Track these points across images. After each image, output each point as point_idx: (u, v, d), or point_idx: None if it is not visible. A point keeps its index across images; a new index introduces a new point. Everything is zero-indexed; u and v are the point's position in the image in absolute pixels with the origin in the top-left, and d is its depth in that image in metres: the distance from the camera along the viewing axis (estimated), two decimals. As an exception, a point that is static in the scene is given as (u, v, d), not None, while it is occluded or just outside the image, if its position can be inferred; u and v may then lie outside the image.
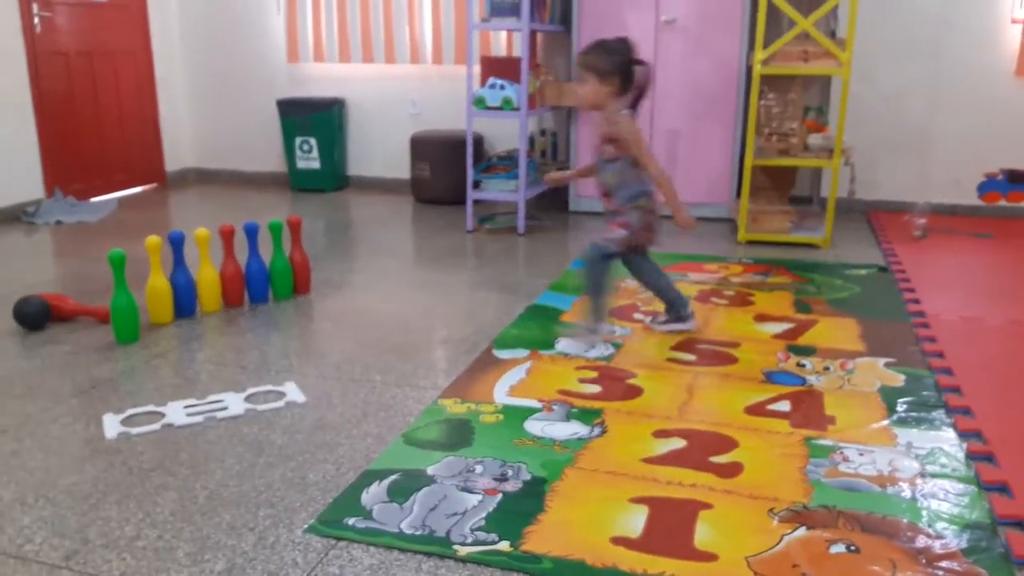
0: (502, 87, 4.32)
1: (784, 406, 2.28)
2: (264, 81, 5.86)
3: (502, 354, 2.66)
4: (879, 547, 1.64)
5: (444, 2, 5.32)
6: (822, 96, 4.75)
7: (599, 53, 2.62)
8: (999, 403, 2.32)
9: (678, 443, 2.07)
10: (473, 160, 4.53)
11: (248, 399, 2.33)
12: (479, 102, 4.35)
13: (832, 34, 4.39)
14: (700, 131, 4.62)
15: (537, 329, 2.89)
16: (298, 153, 5.62)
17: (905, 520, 1.73)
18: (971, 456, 2.00)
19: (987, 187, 4.61)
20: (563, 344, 2.74)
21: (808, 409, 2.26)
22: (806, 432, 2.13)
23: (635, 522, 1.72)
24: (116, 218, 4.85)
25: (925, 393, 2.37)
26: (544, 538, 1.67)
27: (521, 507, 1.78)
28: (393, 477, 1.90)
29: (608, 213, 2.79)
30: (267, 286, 3.20)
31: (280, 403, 2.30)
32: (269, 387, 2.41)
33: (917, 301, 3.19)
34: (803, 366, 2.57)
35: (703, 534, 1.68)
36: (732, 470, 1.94)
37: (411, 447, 2.05)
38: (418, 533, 1.68)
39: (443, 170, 5.16)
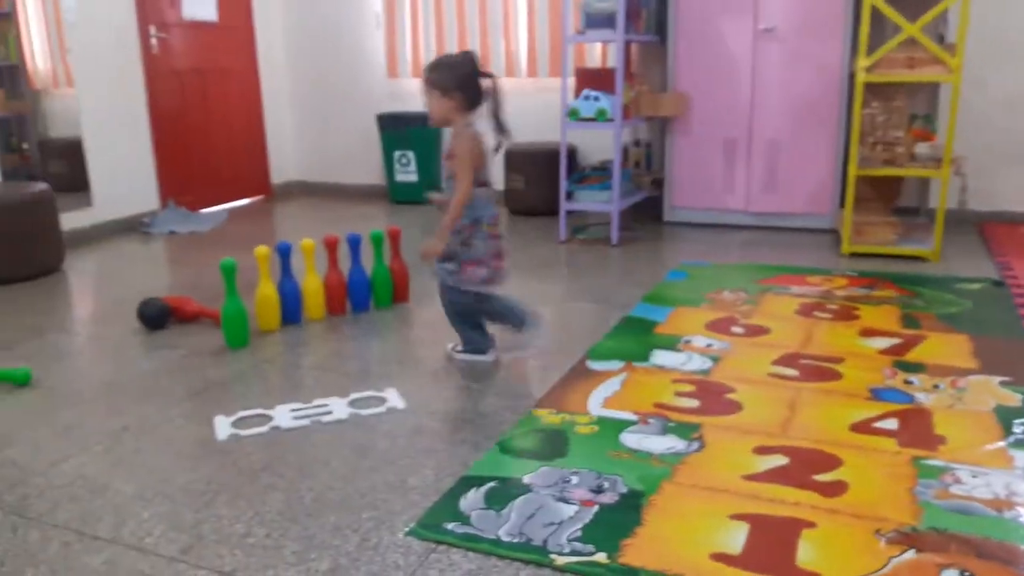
0: (596, 98, 4.32)
1: (891, 424, 2.21)
2: (364, 96, 6.03)
3: (596, 365, 2.66)
4: (996, 574, 1.57)
5: (539, 16, 5.37)
6: (930, 103, 4.57)
7: (440, 69, 2.55)
8: None
9: (780, 460, 2.03)
10: (567, 171, 4.55)
11: (351, 404, 2.40)
12: (573, 114, 4.37)
13: (941, 39, 4.23)
14: (801, 141, 4.52)
15: (632, 341, 2.88)
16: (396, 166, 5.75)
17: (1024, 547, 1.65)
18: (1097, 482, 1.89)
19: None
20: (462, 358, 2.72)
21: (917, 428, 2.18)
22: (914, 451, 2.05)
23: (735, 539, 1.69)
24: (226, 228, 5.07)
25: (1045, 414, 2.25)
26: (642, 552, 1.66)
27: (618, 520, 1.77)
28: (490, 484, 1.93)
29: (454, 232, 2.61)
30: (369, 295, 3.29)
31: (381, 408, 2.37)
32: (371, 392, 2.48)
33: (1035, 317, 3.03)
34: (911, 383, 2.48)
35: (806, 553, 1.64)
36: (836, 489, 1.88)
37: (507, 455, 2.07)
38: (515, 541, 1.70)
39: (537, 181, 5.20)
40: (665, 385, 2.50)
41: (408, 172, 5.74)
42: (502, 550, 1.67)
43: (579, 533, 1.72)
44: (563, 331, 3.03)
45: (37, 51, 5.09)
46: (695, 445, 2.11)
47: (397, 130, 5.67)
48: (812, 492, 1.87)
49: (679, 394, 2.43)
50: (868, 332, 2.93)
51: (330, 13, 6.03)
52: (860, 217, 4.14)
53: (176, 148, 5.34)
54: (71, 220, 4.50)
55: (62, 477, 2.01)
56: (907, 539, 1.68)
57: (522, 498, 1.87)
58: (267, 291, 3.02)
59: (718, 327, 3.02)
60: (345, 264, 3.29)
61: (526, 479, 1.95)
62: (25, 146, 4.94)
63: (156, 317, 3.10)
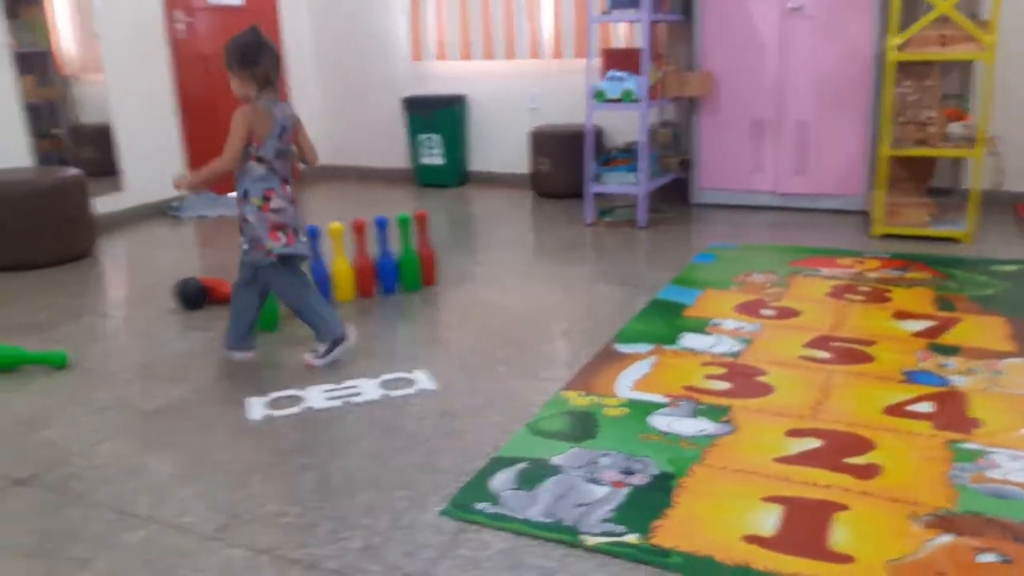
0: (622, 79, 4.29)
1: (926, 407, 2.18)
2: (389, 80, 6.03)
3: (624, 348, 2.66)
4: (1033, 558, 1.55)
5: (565, -4, 5.33)
6: (962, 82, 4.49)
7: (227, 48, 2.55)
8: None
9: (813, 443, 2.01)
10: (593, 153, 4.53)
11: (382, 385, 2.42)
12: (599, 95, 4.34)
13: (974, 16, 4.14)
14: (831, 121, 4.46)
15: (660, 324, 2.87)
16: (422, 149, 5.76)
17: (1063, 531, 1.63)
18: None
19: None
20: (313, 361, 2.58)
21: (952, 411, 2.16)
22: (950, 435, 2.03)
23: (768, 521, 1.69)
24: (253, 212, 5.09)
25: (1083, 397, 2.21)
26: (673, 533, 1.66)
27: (649, 501, 1.77)
28: (520, 465, 1.94)
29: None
30: (396, 278, 3.31)
31: (411, 390, 2.38)
32: (400, 374, 2.49)
33: (1072, 299, 2.98)
34: (945, 366, 2.45)
35: (839, 536, 1.64)
36: (870, 472, 1.87)
37: (536, 437, 2.08)
38: (546, 521, 1.71)
39: (563, 164, 5.18)
40: (695, 368, 2.49)
41: (434, 155, 5.74)
42: (533, 530, 1.68)
43: (610, 514, 1.73)
44: (590, 314, 3.02)
45: (66, 37, 5.13)
46: (726, 428, 2.10)
47: (422, 113, 5.67)
48: (845, 475, 1.86)
49: (709, 376, 2.42)
50: (901, 314, 2.90)
51: (355, -4, 6.04)
52: (892, 198, 4.08)
53: (203, 133, 5.38)
54: (103, 205, 4.55)
55: (100, 457, 2.05)
56: (943, 522, 1.67)
57: (552, 479, 1.87)
58: (296, 274, 3.04)
59: (748, 309, 3.00)
60: (373, 247, 3.30)
61: (556, 460, 1.95)
62: (57, 132, 4.99)
63: (194, 297, 3.15)
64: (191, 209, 5.03)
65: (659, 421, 2.15)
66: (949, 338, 2.67)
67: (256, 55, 2.54)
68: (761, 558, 1.57)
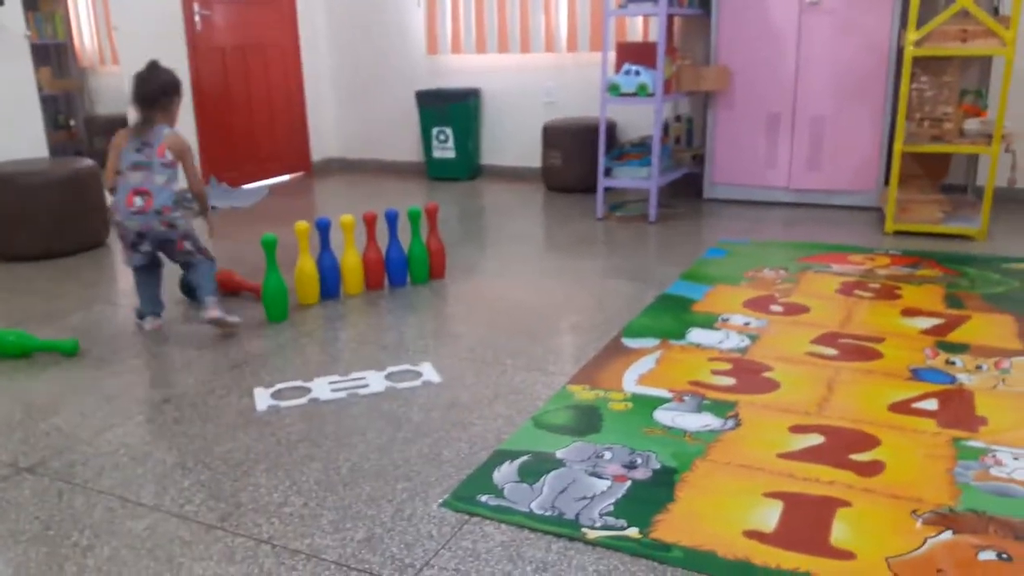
0: (637, 73, 4.28)
1: (931, 405, 2.17)
2: (404, 73, 6.04)
3: (631, 343, 2.66)
4: (1035, 557, 1.54)
5: (580, -11, 5.31)
6: (981, 78, 4.44)
7: (165, 87, 2.94)
8: None
9: (816, 439, 2.01)
10: (606, 147, 4.52)
11: (388, 377, 2.43)
12: (613, 89, 4.33)
13: (995, 11, 4.10)
14: (846, 116, 4.43)
15: (668, 318, 2.87)
16: (435, 143, 5.76)
17: (1066, 531, 1.62)
18: None
19: None
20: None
21: (957, 409, 2.14)
22: (954, 433, 2.02)
23: (769, 516, 1.69)
24: (267, 204, 5.13)
25: (1093, 397, 2.19)
26: (674, 527, 1.66)
27: (650, 495, 1.77)
28: (524, 458, 1.94)
29: None
30: (406, 270, 3.32)
31: (417, 382, 2.39)
32: (407, 366, 2.50)
33: (1086, 298, 2.95)
34: (953, 364, 2.43)
35: (840, 532, 1.63)
36: (873, 469, 1.86)
37: (540, 430, 2.08)
38: (548, 514, 1.71)
39: (575, 158, 5.17)
40: (701, 363, 2.49)
41: (446, 149, 5.74)
42: (534, 523, 1.68)
43: (611, 508, 1.73)
44: (599, 308, 3.02)
45: (84, 29, 5.18)
46: (730, 423, 2.10)
47: (436, 107, 5.67)
48: (848, 471, 1.85)
49: (715, 372, 2.42)
50: (910, 312, 2.88)
51: (370, -11, 6.05)
52: (906, 195, 4.05)
53: (218, 125, 5.41)
54: (117, 195, 4.58)
55: (106, 445, 2.07)
56: (944, 520, 1.66)
57: (555, 472, 1.88)
58: (307, 266, 3.06)
59: (757, 305, 2.99)
60: (383, 240, 3.31)
61: (559, 454, 1.96)
62: (72, 123, 5.04)
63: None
64: (205, 200, 5.05)
65: (663, 416, 2.15)
66: (958, 336, 2.65)
67: (142, 93, 2.93)
68: (762, 553, 1.57)
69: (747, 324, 2.80)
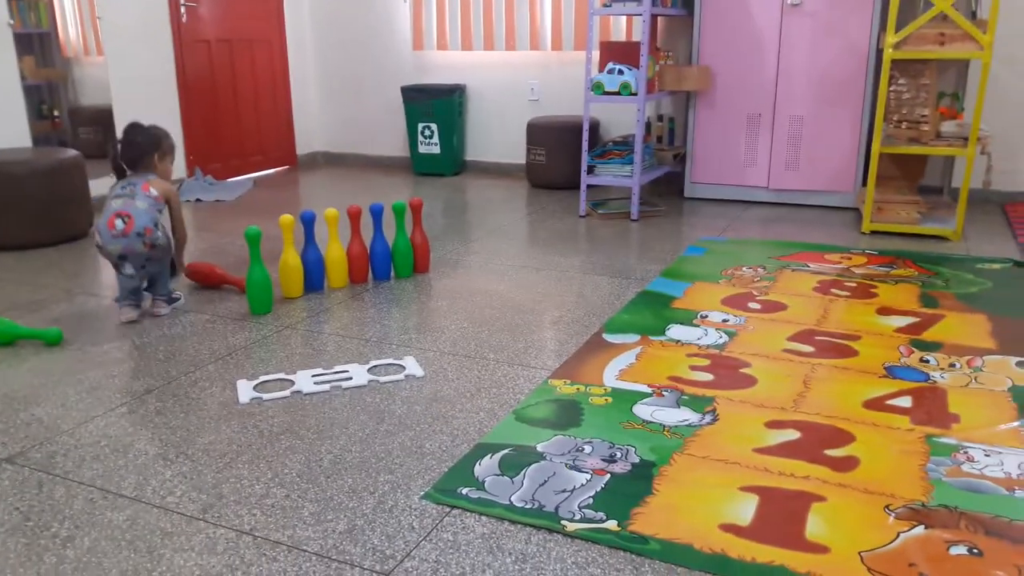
0: (620, 72, 4.30)
1: (905, 402, 2.21)
2: (390, 68, 6.04)
3: (612, 338, 2.69)
4: (1004, 552, 1.58)
5: (565, -13, 5.33)
6: (958, 81, 4.50)
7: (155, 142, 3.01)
8: None
9: (792, 434, 2.04)
10: (588, 145, 4.54)
11: (371, 370, 2.45)
12: (597, 87, 4.36)
13: (973, 15, 4.16)
14: (825, 117, 4.48)
15: (648, 315, 2.90)
16: (420, 138, 5.77)
17: (1033, 525, 1.66)
18: (1110, 463, 1.89)
19: None
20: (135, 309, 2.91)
21: (931, 406, 2.19)
22: (927, 429, 2.06)
23: (745, 510, 1.72)
24: (251, 197, 5.12)
25: (1062, 395, 2.24)
26: (651, 520, 1.69)
27: (629, 489, 1.80)
28: (505, 451, 1.96)
29: None
30: (390, 264, 3.33)
31: (400, 376, 2.41)
32: (390, 360, 2.52)
33: (1058, 299, 3.01)
34: (927, 361, 2.48)
35: (815, 526, 1.66)
36: (847, 464, 1.90)
37: (522, 424, 2.10)
38: (528, 507, 1.74)
39: (559, 155, 5.20)
40: (680, 359, 2.52)
41: (431, 144, 5.75)
42: (514, 515, 1.71)
43: (590, 501, 1.75)
44: (581, 304, 3.05)
45: (68, 19, 5.13)
46: (708, 418, 2.13)
47: (421, 102, 5.68)
48: (823, 467, 1.89)
49: (694, 368, 2.45)
50: (885, 310, 2.93)
51: (356, -17, 6.04)
52: (883, 195, 4.11)
53: (203, 117, 5.39)
54: (100, 187, 4.55)
55: (88, 436, 2.08)
56: (917, 515, 1.70)
57: (535, 465, 1.90)
58: (291, 259, 3.06)
59: (735, 303, 3.03)
60: (368, 234, 3.32)
61: (540, 447, 1.98)
62: (56, 113, 5.00)
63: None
64: (188, 193, 5.04)
65: (643, 410, 2.17)
66: (932, 334, 2.70)
67: (120, 154, 2.97)
68: (738, 547, 1.59)
69: (725, 321, 2.84)
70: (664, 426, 2.09)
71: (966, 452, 1.94)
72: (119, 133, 2.96)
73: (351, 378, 2.39)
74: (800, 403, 2.22)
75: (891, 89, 3.98)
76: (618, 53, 4.61)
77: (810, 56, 4.44)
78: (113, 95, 4.78)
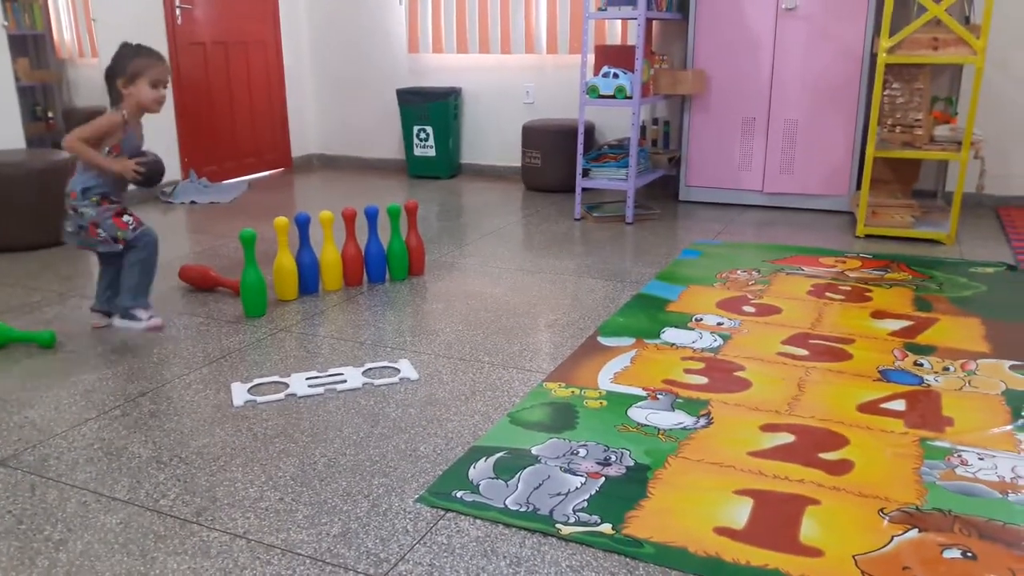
0: (615, 75, 4.31)
1: (899, 405, 2.22)
2: (385, 72, 6.04)
3: (607, 341, 2.69)
4: (998, 555, 1.58)
5: (560, -9, 5.34)
6: (952, 86, 4.52)
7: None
8: None
9: (786, 438, 2.05)
10: (584, 149, 4.55)
11: (365, 373, 2.44)
12: (592, 91, 4.36)
13: (967, 20, 4.17)
14: (820, 121, 4.49)
15: (643, 318, 2.90)
16: (415, 141, 5.77)
17: (1026, 528, 1.66)
18: (1103, 467, 1.90)
19: None
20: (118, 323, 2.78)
21: (924, 409, 2.19)
22: (921, 433, 2.06)
23: (739, 513, 1.72)
24: (246, 200, 5.11)
25: (1055, 399, 2.25)
26: (646, 524, 1.69)
27: (624, 492, 1.80)
28: (499, 454, 1.96)
29: None
30: (385, 267, 3.33)
31: (395, 379, 2.40)
32: (385, 363, 2.51)
33: (1051, 303, 3.02)
34: (921, 365, 2.48)
35: (809, 529, 1.66)
36: (842, 467, 1.90)
37: (516, 427, 2.10)
38: (522, 510, 1.73)
39: (554, 158, 5.21)
40: (675, 362, 2.52)
41: (426, 147, 5.75)
42: (509, 519, 1.70)
43: (585, 504, 1.75)
44: (575, 307, 3.05)
45: (63, 20, 5.12)
46: (703, 421, 2.13)
47: (417, 105, 5.68)
48: (817, 470, 1.89)
49: (688, 371, 2.45)
50: (880, 314, 2.94)
51: (351, -14, 6.04)
52: (877, 199, 4.12)
53: (198, 120, 5.38)
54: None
55: (81, 439, 2.07)
56: (910, 518, 1.70)
57: (530, 468, 1.90)
58: (285, 261, 3.06)
59: (730, 306, 3.03)
60: (362, 236, 3.32)
61: (534, 450, 1.98)
62: (50, 115, 4.99)
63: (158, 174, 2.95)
64: (183, 195, 5.03)
65: (637, 413, 2.17)
66: (926, 338, 2.70)
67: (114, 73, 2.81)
68: (732, 550, 1.59)
69: (720, 324, 2.84)
70: (659, 429, 2.09)
71: (960, 456, 1.95)
72: None
73: (345, 381, 2.38)
74: (794, 406, 2.22)
75: (885, 93, 3.99)
76: (613, 57, 4.62)
77: (804, 60, 4.46)
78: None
